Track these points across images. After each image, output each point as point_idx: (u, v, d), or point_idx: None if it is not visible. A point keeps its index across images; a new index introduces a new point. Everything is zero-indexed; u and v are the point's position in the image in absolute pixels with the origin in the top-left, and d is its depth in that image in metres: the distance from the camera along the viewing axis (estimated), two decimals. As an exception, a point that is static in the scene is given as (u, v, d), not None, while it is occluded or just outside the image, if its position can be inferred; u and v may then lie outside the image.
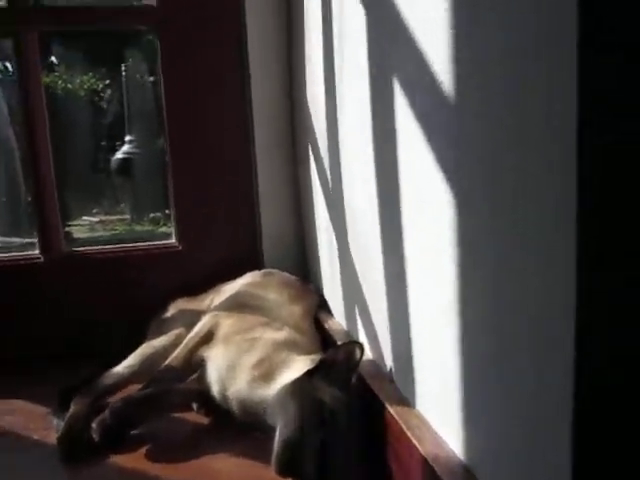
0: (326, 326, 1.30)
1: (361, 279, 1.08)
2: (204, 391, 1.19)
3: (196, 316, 1.38)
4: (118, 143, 5.24)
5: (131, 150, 4.94)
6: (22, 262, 1.58)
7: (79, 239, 4.00)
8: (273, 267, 1.56)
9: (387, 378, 0.98)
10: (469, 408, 0.69)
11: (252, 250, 1.64)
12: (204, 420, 1.19)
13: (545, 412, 0.54)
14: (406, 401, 0.89)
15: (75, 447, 1.08)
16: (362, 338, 1.12)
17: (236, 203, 1.64)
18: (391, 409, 0.86)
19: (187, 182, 1.60)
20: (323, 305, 1.42)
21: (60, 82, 5.95)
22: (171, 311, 1.48)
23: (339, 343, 1.14)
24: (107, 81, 6.11)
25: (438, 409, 0.78)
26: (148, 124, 4.79)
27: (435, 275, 0.74)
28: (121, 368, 1.27)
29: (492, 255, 0.61)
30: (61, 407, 1.21)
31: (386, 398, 0.90)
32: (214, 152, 1.61)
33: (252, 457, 1.02)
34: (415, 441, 0.77)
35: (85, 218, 4.62)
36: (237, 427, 1.10)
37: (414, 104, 0.77)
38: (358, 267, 1.10)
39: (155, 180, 4.01)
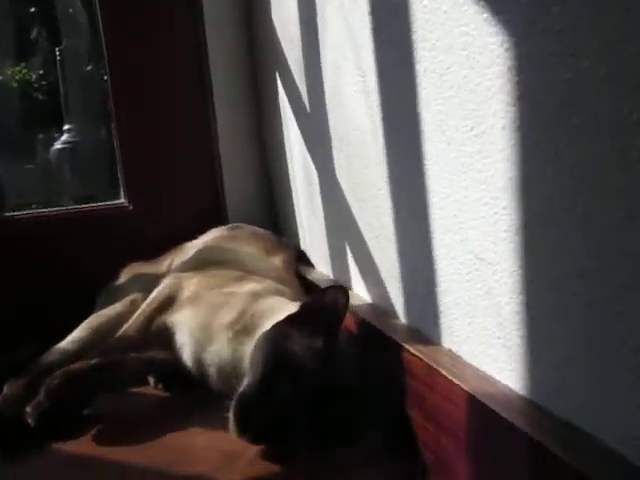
0: (309, 277, 1.11)
1: (356, 214, 0.90)
2: (166, 360, 1.00)
3: (153, 280, 1.17)
4: (56, 134, 4.90)
5: (70, 139, 4.63)
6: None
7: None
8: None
9: (396, 317, 0.81)
10: (529, 332, 0.53)
11: (214, 207, 1.44)
12: (166, 395, 1.00)
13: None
14: (428, 339, 0.72)
15: (6, 436, 0.86)
16: (357, 283, 0.95)
17: (192, 154, 1.43)
18: (411, 348, 0.69)
19: (134, 131, 1.39)
20: (301, 258, 1.23)
21: (-11, 75, 5.55)
22: (123, 277, 1.27)
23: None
24: (41, 71, 5.74)
25: (478, 343, 0.61)
26: (88, 110, 4.50)
27: (477, 176, 0.57)
28: (66, 343, 1.05)
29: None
30: None
31: (401, 337, 0.73)
32: (163, 97, 1.40)
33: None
34: (454, 379, 0.60)
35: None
36: (209, 399, 0.91)
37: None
38: (351, 199, 0.92)
39: (99, 169, 3.74)
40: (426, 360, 0.65)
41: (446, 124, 0.61)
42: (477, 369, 0.62)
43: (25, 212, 1.41)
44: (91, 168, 4.30)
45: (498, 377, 0.58)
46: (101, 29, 1.36)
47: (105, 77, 1.38)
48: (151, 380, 1.03)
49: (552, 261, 0.49)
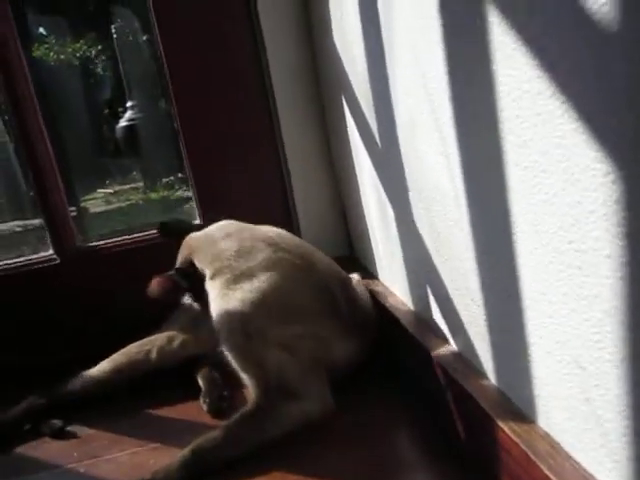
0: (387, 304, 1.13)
1: (438, 264, 0.88)
2: None
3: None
4: (121, 110, 5.00)
5: (135, 115, 4.73)
6: (36, 265, 1.41)
7: (95, 213, 3.88)
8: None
9: (483, 377, 0.80)
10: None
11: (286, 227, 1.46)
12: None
13: None
14: (522, 413, 0.71)
15: None
16: (440, 322, 0.94)
17: (261, 172, 1.44)
18: (506, 427, 0.69)
19: (203, 156, 1.41)
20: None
21: (52, 54, 5.66)
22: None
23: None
24: (99, 46, 5.80)
25: (584, 429, 0.60)
26: (149, 85, 4.58)
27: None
28: (94, 370, 1.18)
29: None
30: None
31: (493, 410, 0.73)
32: (229, 122, 1.41)
33: None
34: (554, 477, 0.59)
35: (100, 191, 4.48)
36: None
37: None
38: (432, 250, 0.89)
39: (164, 143, 3.83)
40: (523, 447, 0.65)
41: (540, 224, 0.58)
42: (578, 465, 0.61)
43: (108, 241, 1.47)
44: (156, 143, 4.38)
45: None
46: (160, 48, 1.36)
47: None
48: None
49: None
